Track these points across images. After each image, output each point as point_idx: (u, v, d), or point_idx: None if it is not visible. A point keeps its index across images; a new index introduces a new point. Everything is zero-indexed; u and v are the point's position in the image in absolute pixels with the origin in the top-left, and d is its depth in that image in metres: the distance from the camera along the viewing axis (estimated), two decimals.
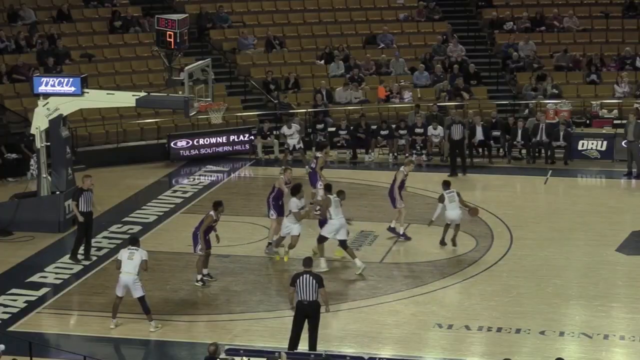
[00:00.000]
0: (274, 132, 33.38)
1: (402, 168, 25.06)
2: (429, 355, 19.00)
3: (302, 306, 18.11)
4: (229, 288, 21.91)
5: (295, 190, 22.77)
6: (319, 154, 26.90)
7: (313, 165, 26.60)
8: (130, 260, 19.68)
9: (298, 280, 18.11)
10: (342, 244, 22.67)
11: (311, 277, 18.12)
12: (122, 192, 29.29)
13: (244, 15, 39.16)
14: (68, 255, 23.65)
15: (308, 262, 18.51)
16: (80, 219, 23.50)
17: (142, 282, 19.78)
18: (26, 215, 25.57)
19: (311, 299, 18.07)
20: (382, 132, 32.79)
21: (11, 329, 19.99)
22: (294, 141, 31.80)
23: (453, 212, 23.98)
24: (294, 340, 18.11)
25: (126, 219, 26.78)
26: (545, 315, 20.34)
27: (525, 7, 39.99)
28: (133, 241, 20.18)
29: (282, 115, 34.42)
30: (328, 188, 23.31)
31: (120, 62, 35.84)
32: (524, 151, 32.47)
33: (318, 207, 23.71)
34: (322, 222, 22.82)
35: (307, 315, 18.11)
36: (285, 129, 32.02)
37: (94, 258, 23.73)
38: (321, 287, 18.19)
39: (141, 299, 19.75)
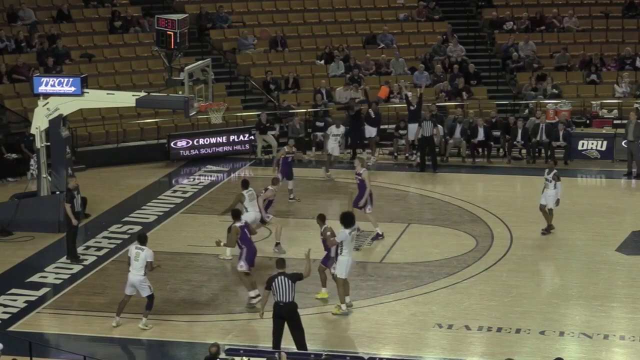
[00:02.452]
0: (274, 126, 33.24)
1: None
2: (429, 355, 19.01)
3: (279, 308, 18.18)
4: (229, 288, 21.91)
5: (347, 222, 20.65)
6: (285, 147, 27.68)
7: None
8: (136, 261, 19.73)
9: (274, 283, 18.15)
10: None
11: (286, 278, 18.16)
12: (122, 192, 29.29)
13: (244, 15, 39.16)
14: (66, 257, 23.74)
15: (281, 263, 18.56)
16: (75, 222, 23.49)
17: (150, 282, 19.85)
18: (26, 215, 25.58)
19: (287, 300, 18.12)
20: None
21: (11, 329, 20.00)
22: (333, 145, 30.78)
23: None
24: (275, 341, 18.20)
25: (126, 219, 26.77)
26: (545, 315, 20.34)
27: (525, 7, 39.97)
28: (140, 239, 20.16)
29: (282, 116, 34.42)
30: (244, 184, 23.90)
31: (120, 62, 35.83)
32: (524, 151, 32.47)
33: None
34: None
35: (284, 316, 18.16)
36: (333, 129, 31.16)
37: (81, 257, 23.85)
38: (297, 281, 18.33)
39: (149, 297, 19.83)
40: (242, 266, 20.70)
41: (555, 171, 25.04)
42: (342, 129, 31.52)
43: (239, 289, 21.83)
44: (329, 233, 20.64)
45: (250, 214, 23.46)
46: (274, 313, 18.25)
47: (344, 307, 20.31)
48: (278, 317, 18.21)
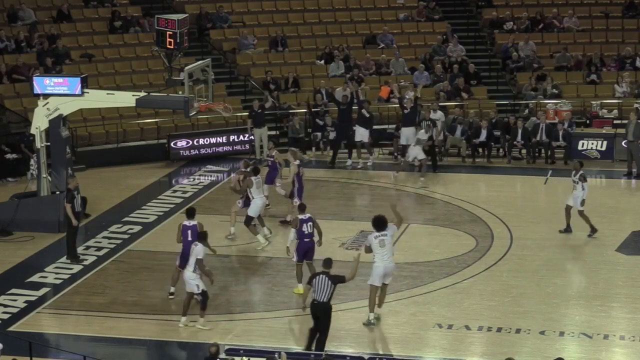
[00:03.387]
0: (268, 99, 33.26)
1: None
2: (429, 355, 19.01)
3: (313, 305, 18.31)
4: (229, 288, 21.91)
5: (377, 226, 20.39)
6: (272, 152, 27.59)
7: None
8: (190, 256, 19.84)
9: (314, 280, 18.27)
10: (247, 219, 24.14)
11: (327, 278, 18.22)
12: (122, 192, 29.29)
13: (244, 15, 39.17)
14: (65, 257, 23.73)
15: (327, 263, 18.57)
16: (75, 222, 23.49)
17: (199, 280, 19.74)
18: (26, 215, 25.57)
19: (322, 300, 18.17)
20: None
21: (11, 329, 20.00)
22: (416, 151, 30.05)
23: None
24: (309, 338, 18.32)
25: (126, 219, 26.77)
26: (545, 315, 20.34)
27: (525, 7, 39.97)
28: (199, 235, 20.26)
29: (282, 116, 34.42)
30: (255, 171, 24.48)
31: (120, 62, 35.83)
32: (524, 151, 32.47)
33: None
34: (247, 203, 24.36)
35: (316, 315, 18.22)
36: (422, 133, 30.32)
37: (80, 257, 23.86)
38: (338, 283, 18.43)
39: (202, 295, 19.74)
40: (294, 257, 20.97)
41: (581, 172, 24.94)
42: (428, 134, 30.94)
43: (238, 288, 21.87)
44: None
45: (257, 200, 24.16)
46: (311, 311, 18.39)
47: (371, 315, 20.06)
48: (313, 315, 18.36)
